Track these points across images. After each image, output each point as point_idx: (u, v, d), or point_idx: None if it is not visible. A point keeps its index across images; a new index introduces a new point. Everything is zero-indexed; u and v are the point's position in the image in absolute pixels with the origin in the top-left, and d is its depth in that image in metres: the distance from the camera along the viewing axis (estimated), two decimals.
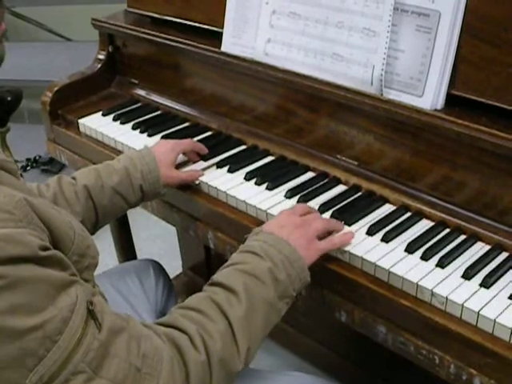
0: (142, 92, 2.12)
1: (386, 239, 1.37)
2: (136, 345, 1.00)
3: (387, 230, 1.40)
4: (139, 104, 2.08)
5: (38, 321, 0.89)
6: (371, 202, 1.51)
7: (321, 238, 1.34)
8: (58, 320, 0.91)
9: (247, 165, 1.68)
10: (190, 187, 1.64)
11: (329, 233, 1.38)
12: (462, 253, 1.33)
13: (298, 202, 1.52)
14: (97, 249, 1.18)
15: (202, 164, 1.70)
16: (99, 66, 2.16)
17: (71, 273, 0.98)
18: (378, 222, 1.43)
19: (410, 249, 1.34)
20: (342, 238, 1.37)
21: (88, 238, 1.16)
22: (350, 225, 1.42)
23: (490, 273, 1.26)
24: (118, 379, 0.96)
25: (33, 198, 0.99)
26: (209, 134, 1.87)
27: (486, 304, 1.19)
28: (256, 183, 1.60)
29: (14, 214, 0.91)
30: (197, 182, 1.64)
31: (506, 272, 1.27)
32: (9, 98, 1.12)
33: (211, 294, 1.18)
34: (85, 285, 1.00)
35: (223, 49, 1.78)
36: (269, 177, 1.61)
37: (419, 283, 1.24)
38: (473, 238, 1.37)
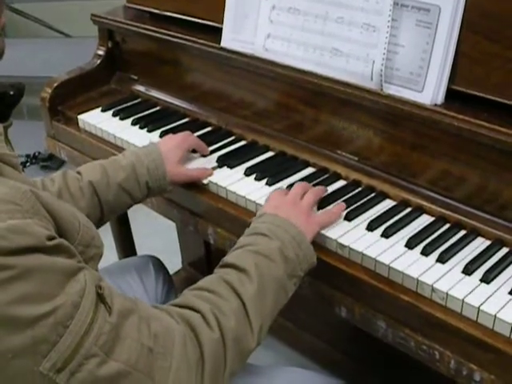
0: (141, 88, 2.11)
1: (386, 234, 1.37)
2: (146, 326, 1.01)
3: (387, 226, 1.40)
4: (139, 100, 2.08)
5: (49, 308, 0.89)
6: (371, 197, 1.51)
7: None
8: (68, 305, 0.91)
9: (247, 160, 1.68)
10: (191, 183, 1.64)
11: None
12: (462, 248, 1.33)
13: None
14: (101, 239, 1.19)
15: (201, 160, 1.70)
16: (98, 61, 2.15)
17: (78, 260, 0.99)
18: (378, 217, 1.43)
19: (410, 244, 1.34)
20: (337, 208, 1.43)
21: (93, 228, 1.17)
22: (350, 220, 1.42)
23: (490, 268, 1.26)
24: (131, 361, 0.96)
25: (37, 189, 1.00)
26: (208, 129, 1.87)
27: (486, 299, 1.19)
28: (256, 179, 1.60)
29: (21, 205, 0.92)
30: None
31: (506, 267, 1.27)
32: (11, 92, 1.12)
33: (223, 274, 1.20)
34: (92, 271, 1.00)
35: (223, 44, 1.78)
36: (268, 172, 1.60)
37: (419, 278, 1.24)
38: (473, 234, 1.37)
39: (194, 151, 1.72)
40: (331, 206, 1.47)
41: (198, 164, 1.68)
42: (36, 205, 0.95)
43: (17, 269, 0.87)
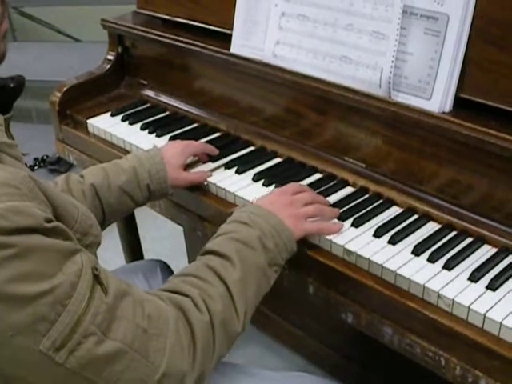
0: (150, 93, 2.12)
1: (392, 241, 1.38)
2: (140, 307, 1.03)
3: (394, 232, 1.40)
4: (148, 105, 2.09)
5: (48, 286, 0.91)
6: (379, 204, 1.51)
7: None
8: (66, 285, 0.93)
9: (255, 166, 1.69)
10: (199, 188, 1.65)
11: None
12: (468, 255, 1.34)
13: None
14: (99, 228, 1.22)
15: (210, 165, 1.71)
16: (108, 66, 2.16)
17: (74, 243, 1.01)
18: (385, 224, 1.44)
19: (417, 251, 1.34)
20: (331, 227, 1.41)
21: (91, 217, 1.19)
22: (357, 226, 1.43)
23: (496, 275, 1.26)
24: (126, 340, 0.99)
25: (36, 176, 1.02)
26: (217, 135, 1.87)
27: (492, 306, 1.19)
28: (264, 184, 1.61)
29: (20, 188, 0.94)
30: (205, 183, 1.64)
31: None
32: (11, 85, 1.14)
33: (206, 260, 1.23)
34: (88, 253, 1.02)
35: (232, 50, 1.79)
36: (277, 178, 1.61)
37: (426, 285, 1.25)
38: (479, 241, 1.37)
39: (207, 155, 1.74)
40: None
41: (205, 169, 1.69)
42: (34, 189, 0.97)
43: (17, 247, 0.89)
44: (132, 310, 1.02)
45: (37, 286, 0.90)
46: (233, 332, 1.17)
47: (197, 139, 1.78)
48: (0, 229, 0.88)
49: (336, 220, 1.45)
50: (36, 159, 3.80)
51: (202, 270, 1.21)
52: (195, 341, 1.09)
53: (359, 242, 1.39)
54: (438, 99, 1.41)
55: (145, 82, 2.15)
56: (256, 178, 1.63)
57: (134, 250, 2.47)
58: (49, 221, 0.96)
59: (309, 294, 1.44)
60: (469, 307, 1.19)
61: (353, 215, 1.46)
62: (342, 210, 1.48)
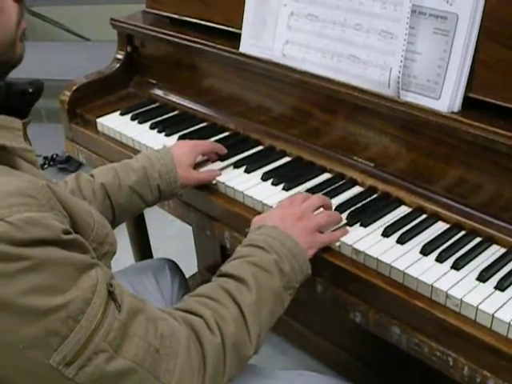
0: (159, 92, 2.13)
1: (401, 241, 1.38)
2: (153, 326, 1.03)
3: (403, 232, 1.40)
4: (157, 104, 2.09)
5: (62, 301, 0.91)
6: (387, 203, 1.51)
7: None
8: (80, 300, 0.93)
9: (264, 165, 1.69)
10: (207, 187, 1.65)
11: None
12: (477, 255, 1.33)
13: None
14: (115, 237, 1.21)
15: (219, 164, 1.71)
16: (117, 65, 2.17)
17: (91, 256, 1.00)
18: (393, 223, 1.44)
19: (425, 250, 1.34)
20: (341, 232, 1.41)
21: (107, 226, 1.19)
22: (365, 226, 1.43)
23: (505, 275, 1.26)
24: (138, 359, 0.98)
25: (54, 186, 1.01)
26: (226, 134, 1.87)
27: (500, 307, 1.19)
28: (273, 184, 1.61)
29: (38, 198, 0.94)
30: (214, 182, 1.65)
31: None
32: (30, 90, 1.14)
33: (222, 283, 1.22)
34: (104, 268, 1.02)
35: (241, 50, 1.79)
36: (285, 177, 1.61)
37: (434, 285, 1.25)
38: (488, 241, 1.37)
39: (216, 154, 1.74)
40: (347, 211, 1.48)
41: (214, 168, 1.69)
42: (52, 199, 0.97)
43: (32, 260, 0.89)
44: (145, 328, 1.01)
45: (51, 300, 0.90)
46: (244, 355, 1.16)
47: (206, 138, 1.79)
48: (16, 240, 0.88)
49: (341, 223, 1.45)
50: (46, 158, 3.81)
51: (217, 291, 1.20)
52: (205, 362, 1.08)
53: (368, 241, 1.39)
54: (446, 99, 1.41)
55: (154, 82, 2.16)
56: (265, 178, 1.63)
57: (143, 249, 2.48)
58: (66, 232, 0.95)
59: (317, 294, 1.44)
60: (477, 307, 1.19)
61: (361, 215, 1.46)
62: (350, 210, 1.48)
